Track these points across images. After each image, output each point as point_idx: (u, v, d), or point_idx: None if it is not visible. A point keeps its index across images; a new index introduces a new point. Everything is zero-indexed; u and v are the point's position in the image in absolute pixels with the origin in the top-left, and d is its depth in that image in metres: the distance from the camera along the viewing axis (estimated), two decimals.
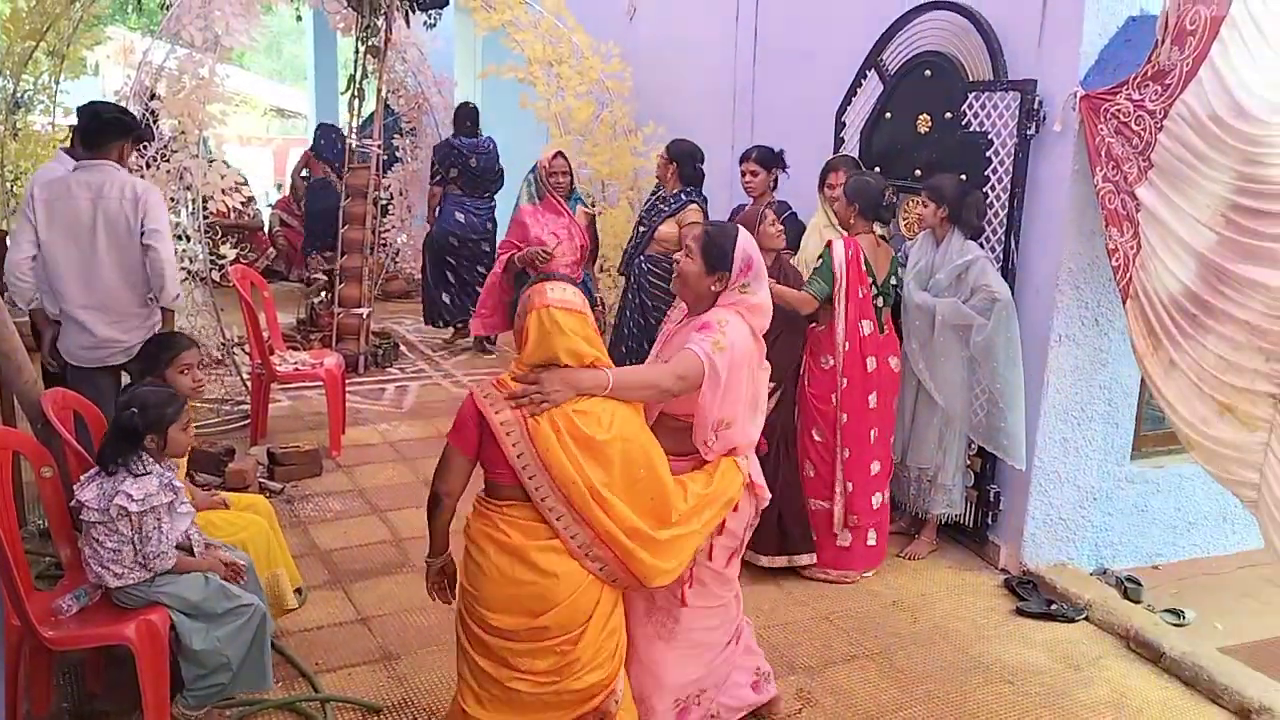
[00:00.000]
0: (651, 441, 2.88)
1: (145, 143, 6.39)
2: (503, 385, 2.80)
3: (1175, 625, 4.38)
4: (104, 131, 4.34)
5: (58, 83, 8.76)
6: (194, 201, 6.33)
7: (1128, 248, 4.16)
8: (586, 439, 2.73)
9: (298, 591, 4.25)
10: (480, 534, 2.81)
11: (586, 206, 7.12)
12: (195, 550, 3.36)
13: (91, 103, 4.58)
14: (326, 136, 10.40)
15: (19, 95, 8.53)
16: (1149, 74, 4.02)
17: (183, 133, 6.14)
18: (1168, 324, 4.00)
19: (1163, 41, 3.96)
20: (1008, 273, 4.72)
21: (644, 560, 2.80)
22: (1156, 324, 4.05)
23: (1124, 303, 4.22)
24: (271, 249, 10.88)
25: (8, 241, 4.45)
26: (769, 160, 5.57)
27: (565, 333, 2.76)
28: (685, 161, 5.97)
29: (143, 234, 4.29)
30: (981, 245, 4.81)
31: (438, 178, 8.76)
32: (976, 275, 4.63)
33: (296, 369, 6.07)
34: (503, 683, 2.82)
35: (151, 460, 3.24)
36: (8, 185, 7.95)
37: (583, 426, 2.74)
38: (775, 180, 5.64)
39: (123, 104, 6.35)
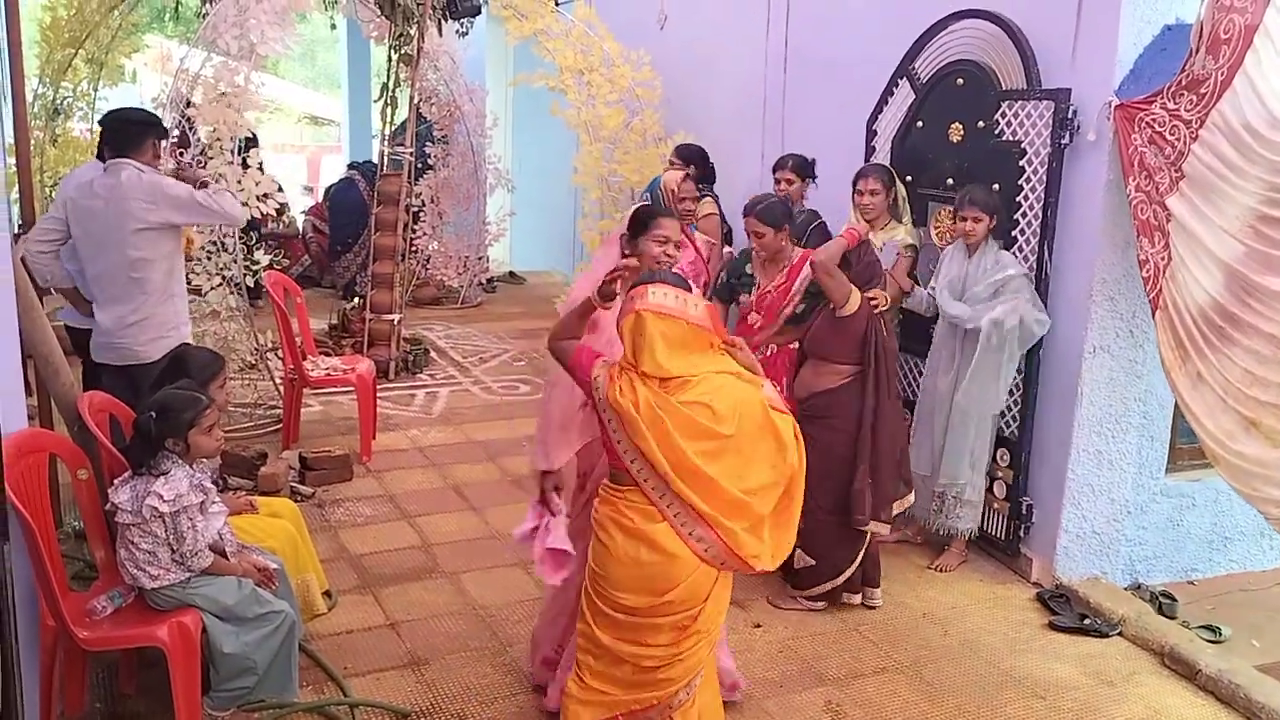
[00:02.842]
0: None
1: (182, 148, 6.47)
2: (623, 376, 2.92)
3: (1211, 642, 4.32)
4: (136, 132, 4.45)
5: (96, 90, 8.90)
6: None
7: (1158, 259, 4.12)
8: (701, 429, 2.87)
9: (327, 595, 4.28)
10: (606, 519, 2.94)
11: (698, 232, 6.01)
12: (229, 552, 3.39)
13: (116, 110, 4.69)
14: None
15: (58, 102, 8.67)
16: (1184, 83, 3.98)
17: (218, 140, 6.20)
18: (1195, 336, 3.96)
19: (1197, 50, 3.92)
20: (1041, 283, 4.69)
21: (742, 539, 2.89)
22: (1185, 336, 4.00)
23: (1154, 314, 4.18)
24: (306, 256, 10.98)
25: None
26: (803, 169, 5.58)
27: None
28: (698, 162, 6.13)
29: (176, 213, 4.43)
30: (1014, 254, 4.78)
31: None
32: (1011, 294, 4.61)
33: (328, 374, 6.11)
34: (624, 658, 2.94)
35: (180, 461, 3.27)
36: (46, 191, 8.06)
37: (699, 419, 2.86)
38: (805, 190, 5.65)
39: (159, 110, 6.45)
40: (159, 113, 6.47)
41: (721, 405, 2.88)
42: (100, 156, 4.58)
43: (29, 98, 6.90)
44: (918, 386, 5.28)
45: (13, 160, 4.77)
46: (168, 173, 4.73)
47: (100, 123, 4.67)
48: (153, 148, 4.50)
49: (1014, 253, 4.79)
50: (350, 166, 10.99)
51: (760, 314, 4.88)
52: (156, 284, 4.45)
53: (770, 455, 2.93)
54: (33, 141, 6.48)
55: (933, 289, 4.94)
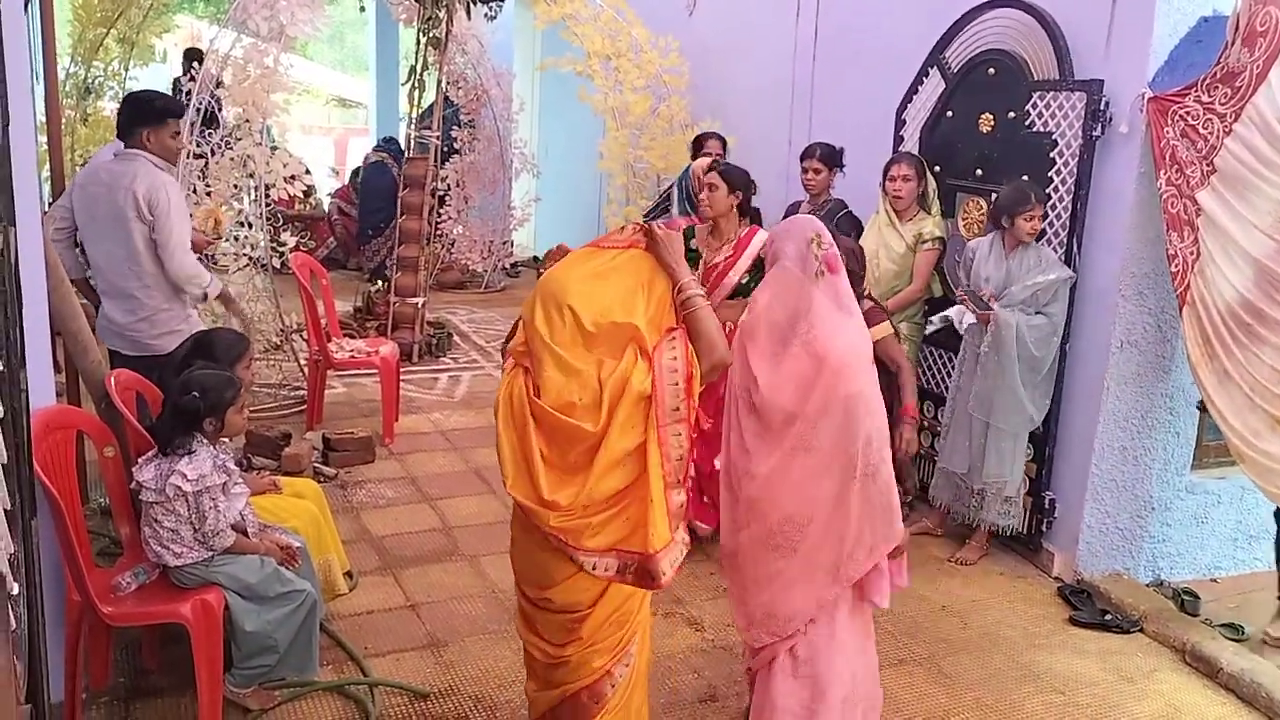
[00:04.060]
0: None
1: (210, 129, 6.50)
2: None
3: (1233, 640, 4.28)
4: (130, 118, 4.31)
5: (127, 69, 8.96)
6: (256, 189, 6.42)
7: (1187, 253, 4.08)
8: (569, 431, 2.61)
9: (348, 575, 4.31)
10: (515, 502, 2.76)
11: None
12: (251, 532, 3.42)
13: (135, 91, 4.58)
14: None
15: (90, 81, 8.73)
16: (1219, 75, 3.93)
17: (246, 121, 6.23)
18: (1223, 333, 3.92)
19: (1233, 42, 3.87)
20: None
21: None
22: (1212, 333, 3.96)
23: (1181, 310, 4.14)
24: (332, 238, 11.03)
25: None
26: (832, 158, 5.55)
27: None
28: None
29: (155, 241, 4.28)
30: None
31: None
32: (1049, 296, 4.58)
33: (352, 356, 6.14)
34: (527, 647, 2.87)
35: (205, 441, 3.30)
36: (76, 170, 8.13)
37: (568, 419, 2.60)
38: (833, 179, 5.62)
39: (189, 90, 6.47)
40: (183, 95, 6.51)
41: (587, 397, 2.57)
42: (120, 136, 4.55)
43: (61, 76, 6.96)
44: (945, 380, 5.26)
45: (44, 139, 4.81)
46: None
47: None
48: (147, 137, 4.26)
49: (1043, 246, 4.73)
50: (377, 148, 11.00)
51: (705, 286, 4.77)
52: (156, 277, 4.31)
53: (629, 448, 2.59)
54: (64, 120, 6.54)
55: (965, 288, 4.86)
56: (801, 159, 5.65)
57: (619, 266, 2.68)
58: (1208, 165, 3.99)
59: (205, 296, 4.47)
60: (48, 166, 4.77)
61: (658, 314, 2.65)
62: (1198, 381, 4.08)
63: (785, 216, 5.79)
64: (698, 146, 6.34)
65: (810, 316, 2.86)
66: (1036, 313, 4.58)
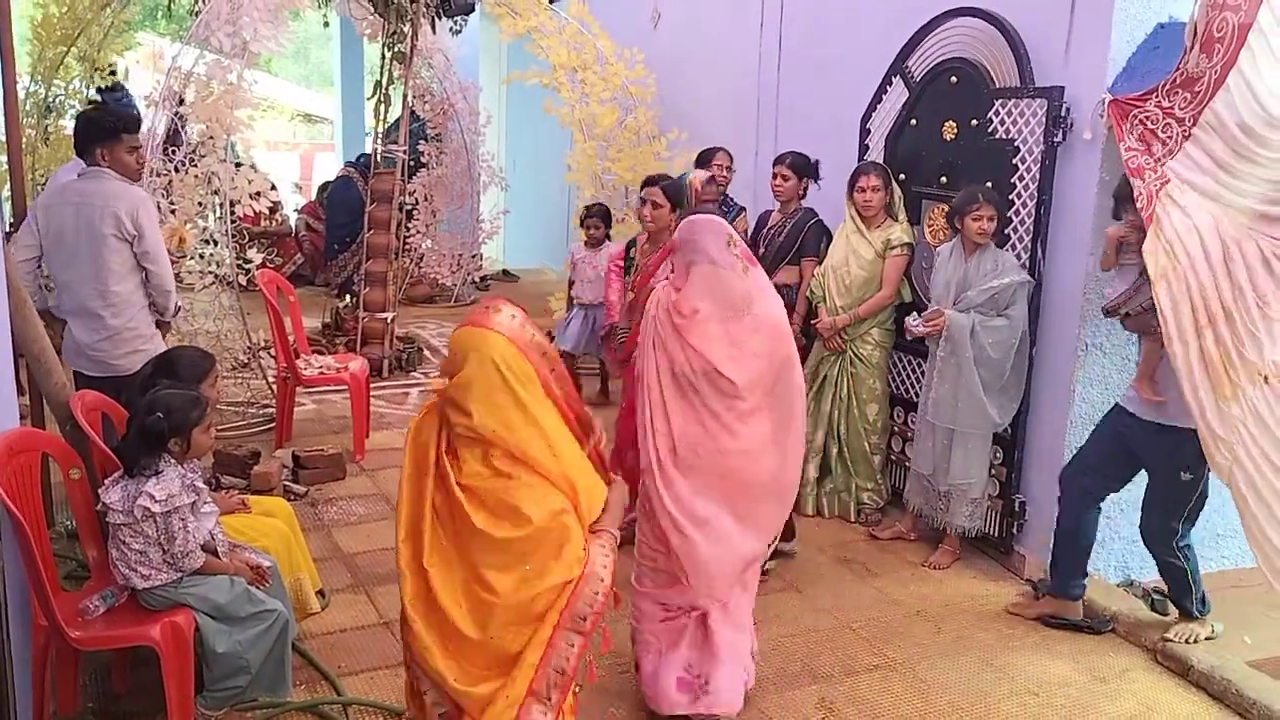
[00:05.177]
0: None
1: (174, 147, 6.45)
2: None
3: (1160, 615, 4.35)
4: (85, 136, 4.29)
5: (88, 88, 8.85)
6: (221, 206, 6.37)
7: (1151, 188, 4.03)
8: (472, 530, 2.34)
9: (320, 594, 4.28)
10: None
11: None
12: (220, 551, 3.38)
13: (87, 108, 4.57)
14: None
15: (50, 100, 8.63)
16: (1178, 81, 3.98)
17: (210, 138, 6.18)
18: (1184, 314, 3.90)
19: (1191, 48, 3.92)
20: (1033, 280, 4.69)
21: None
22: (1176, 247, 3.90)
23: (1146, 227, 4.04)
24: (299, 254, 10.96)
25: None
26: (801, 167, 5.57)
27: None
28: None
29: (138, 255, 4.29)
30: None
31: None
32: (1007, 300, 4.62)
33: (321, 373, 6.10)
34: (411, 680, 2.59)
35: (173, 461, 3.26)
36: (37, 189, 8.03)
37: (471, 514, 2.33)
38: (805, 189, 5.64)
39: (150, 108, 6.41)
40: (149, 110, 6.46)
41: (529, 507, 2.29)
42: (78, 155, 4.50)
43: (21, 95, 6.87)
44: (916, 385, 5.29)
45: (4, 158, 4.75)
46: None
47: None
48: (103, 155, 4.25)
49: (1005, 251, 4.78)
50: (347, 164, 10.94)
51: (634, 290, 5.01)
52: (123, 296, 4.31)
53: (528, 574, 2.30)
54: (24, 140, 6.46)
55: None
56: (773, 164, 5.68)
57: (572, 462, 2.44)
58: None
59: (178, 310, 4.45)
60: (8, 186, 4.71)
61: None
62: (1156, 299, 3.97)
63: (755, 227, 5.87)
64: (704, 160, 6.28)
65: (751, 305, 3.31)
66: (997, 315, 4.63)
